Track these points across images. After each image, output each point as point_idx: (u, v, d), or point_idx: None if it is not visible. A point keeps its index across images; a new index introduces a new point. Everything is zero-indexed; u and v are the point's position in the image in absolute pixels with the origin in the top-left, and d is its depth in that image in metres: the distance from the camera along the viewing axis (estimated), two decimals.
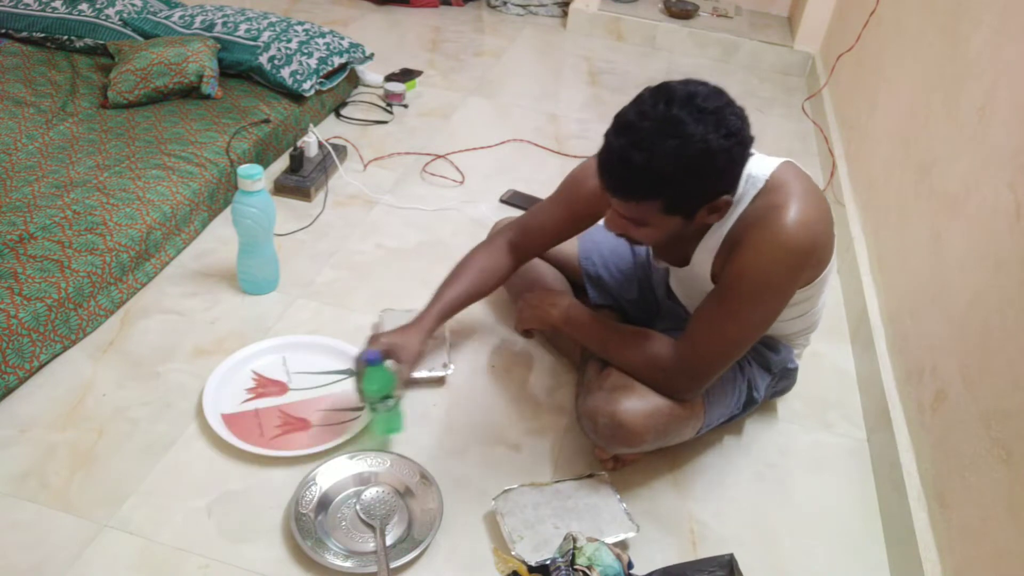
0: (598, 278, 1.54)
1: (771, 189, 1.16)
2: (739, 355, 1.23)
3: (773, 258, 1.13)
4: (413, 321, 1.35)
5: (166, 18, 2.27)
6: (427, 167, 2.18)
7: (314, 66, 2.23)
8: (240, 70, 2.18)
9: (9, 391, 1.32)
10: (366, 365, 1.24)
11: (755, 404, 1.38)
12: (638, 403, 1.21)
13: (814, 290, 1.26)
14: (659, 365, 1.22)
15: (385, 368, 1.26)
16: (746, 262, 1.14)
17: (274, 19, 2.31)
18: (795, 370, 1.44)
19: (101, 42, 2.20)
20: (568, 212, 1.38)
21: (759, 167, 1.18)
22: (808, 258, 1.16)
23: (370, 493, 1.23)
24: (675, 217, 1.12)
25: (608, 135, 1.09)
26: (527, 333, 1.48)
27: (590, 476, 1.28)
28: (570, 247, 1.56)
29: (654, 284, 1.53)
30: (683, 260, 1.29)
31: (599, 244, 1.57)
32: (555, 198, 1.41)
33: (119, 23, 2.24)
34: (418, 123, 2.42)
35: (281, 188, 1.95)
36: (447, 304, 1.38)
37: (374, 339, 1.31)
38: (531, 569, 1.12)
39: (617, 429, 1.20)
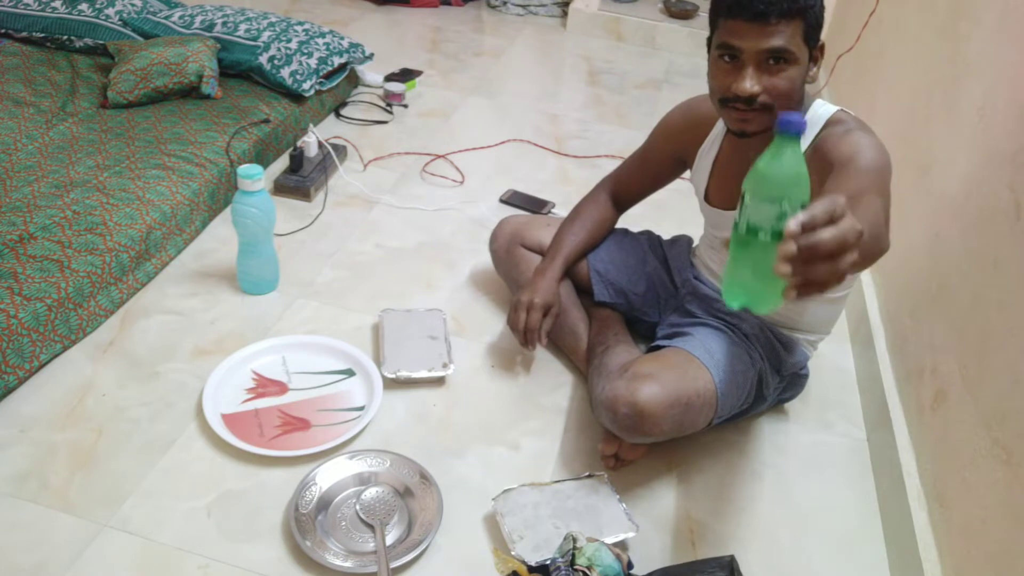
0: (605, 273, 1.55)
1: (836, 122, 1.20)
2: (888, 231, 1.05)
3: (874, 142, 1.13)
4: (538, 270, 1.49)
5: (166, 18, 2.27)
6: (427, 167, 2.18)
7: (314, 66, 2.23)
8: (240, 70, 2.18)
9: (9, 391, 1.32)
10: (780, 133, 0.73)
11: (764, 403, 1.39)
12: (659, 392, 1.21)
13: None
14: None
15: (801, 154, 0.73)
16: (851, 148, 1.12)
17: (274, 19, 2.31)
18: (804, 378, 1.45)
19: (101, 42, 2.20)
20: (658, 154, 1.49)
21: (822, 107, 1.22)
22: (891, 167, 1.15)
23: (370, 493, 1.23)
24: (805, 51, 1.13)
25: None
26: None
27: (590, 476, 1.28)
28: None
29: (673, 271, 1.54)
30: None
31: (605, 242, 1.58)
32: (644, 146, 1.52)
33: (119, 23, 2.24)
34: (418, 123, 2.42)
35: (281, 188, 1.95)
36: (570, 250, 1.51)
37: (526, 305, 1.43)
38: (531, 569, 1.12)
39: (638, 418, 1.20)
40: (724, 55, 1.15)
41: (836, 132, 1.17)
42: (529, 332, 1.44)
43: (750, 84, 1.13)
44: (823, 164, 1.15)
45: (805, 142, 1.21)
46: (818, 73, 1.19)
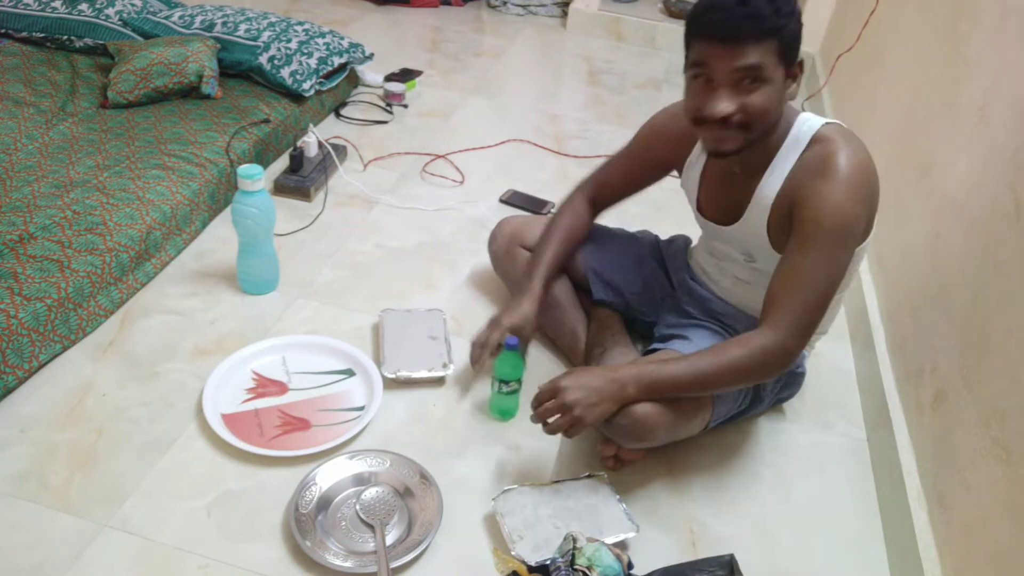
0: (602, 272, 1.54)
1: (820, 140, 1.19)
2: (827, 305, 1.19)
3: (842, 199, 1.14)
4: (522, 292, 1.44)
5: (166, 18, 2.27)
6: (427, 167, 2.18)
7: (314, 66, 2.23)
8: (240, 70, 2.18)
9: (9, 391, 1.32)
10: (505, 349, 1.33)
11: (760, 404, 1.39)
12: None
13: (861, 253, 1.25)
14: (765, 345, 1.16)
15: (518, 355, 1.35)
16: (817, 208, 1.15)
17: (274, 19, 2.31)
18: (802, 376, 1.45)
19: (101, 42, 2.20)
20: (643, 160, 1.46)
21: (806, 124, 1.22)
22: (871, 196, 1.19)
23: (370, 493, 1.23)
24: (780, 70, 1.12)
25: None
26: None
27: (590, 476, 1.28)
28: None
29: (670, 271, 1.54)
30: (734, 214, 1.30)
31: (603, 241, 1.58)
32: (629, 149, 1.49)
33: (119, 23, 2.24)
34: (418, 123, 2.42)
35: (281, 188, 1.95)
36: (547, 268, 1.47)
37: (494, 323, 1.39)
38: (531, 569, 1.12)
39: (632, 425, 1.20)
40: (697, 75, 1.14)
41: (816, 160, 1.18)
42: (475, 347, 1.39)
43: (723, 105, 1.12)
44: (792, 202, 1.18)
45: (789, 162, 1.21)
46: (797, 90, 1.18)
